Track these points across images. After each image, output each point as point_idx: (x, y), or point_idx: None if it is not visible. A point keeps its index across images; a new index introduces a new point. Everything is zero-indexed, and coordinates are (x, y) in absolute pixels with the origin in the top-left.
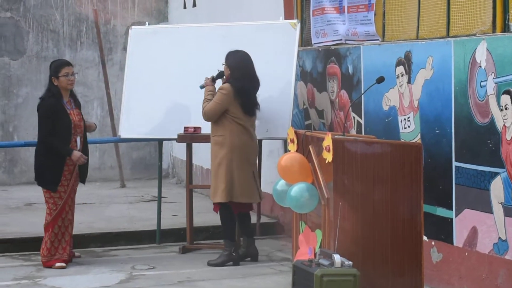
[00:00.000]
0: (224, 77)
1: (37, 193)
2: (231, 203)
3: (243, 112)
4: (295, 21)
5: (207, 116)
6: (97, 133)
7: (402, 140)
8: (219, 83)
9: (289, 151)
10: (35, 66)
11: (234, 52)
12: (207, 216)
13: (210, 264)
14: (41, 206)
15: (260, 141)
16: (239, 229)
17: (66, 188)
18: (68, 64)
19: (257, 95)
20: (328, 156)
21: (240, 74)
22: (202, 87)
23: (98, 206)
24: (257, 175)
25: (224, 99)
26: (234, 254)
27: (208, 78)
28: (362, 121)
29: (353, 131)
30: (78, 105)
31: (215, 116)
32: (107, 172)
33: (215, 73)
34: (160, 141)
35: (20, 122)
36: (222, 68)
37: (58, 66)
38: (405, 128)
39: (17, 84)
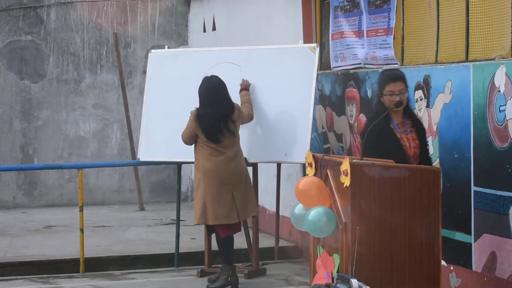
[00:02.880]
0: None
1: (56, 215)
2: (217, 227)
3: (206, 139)
4: (314, 45)
5: (183, 141)
6: (117, 156)
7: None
8: None
9: (307, 175)
10: (55, 89)
11: (205, 77)
12: None
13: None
14: (60, 228)
15: (279, 164)
16: (221, 254)
17: None
18: (395, 79)
19: (237, 120)
20: (346, 180)
21: (201, 100)
22: None
23: (117, 229)
24: (241, 194)
25: (190, 124)
26: (230, 279)
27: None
28: None
29: None
30: (418, 128)
31: (188, 141)
32: (126, 195)
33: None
34: (179, 165)
35: (40, 145)
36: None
37: (382, 81)
38: None
39: (37, 107)
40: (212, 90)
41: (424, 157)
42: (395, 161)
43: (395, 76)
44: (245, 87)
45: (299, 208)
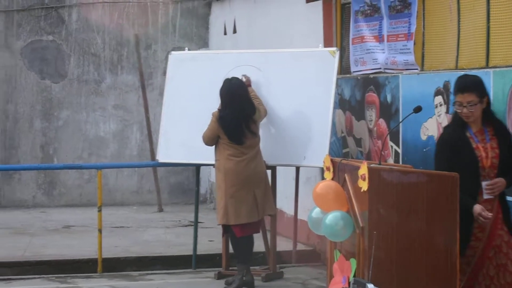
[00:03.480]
0: None
1: (75, 215)
2: (234, 227)
3: (229, 140)
4: (334, 49)
5: (204, 141)
6: (136, 157)
7: None
8: None
9: (325, 179)
10: (76, 89)
11: (226, 79)
12: None
13: None
14: (78, 228)
15: (298, 168)
16: (235, 254)
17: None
18: (463, 90)
19: (258, 120)
20: (364, 185)
21: (223, 102)
22: None
23: (135, 230)
24: (262, 193)
25: (212, 125)
26: (244, 278)
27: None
28: (400, 151)
29: (391, 160)
30: (501, 136)
31: (209, 142)
32: (145, 196)
33: None
34: (197, 166)
35: (60, 145)
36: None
37: (454, 90)
38: None
39: (57, 107)
40: (234, 92)
41: (506, 167)
42: (468, 173)
43: (464, 87)
44: (248, 83)
45: (316, 212)
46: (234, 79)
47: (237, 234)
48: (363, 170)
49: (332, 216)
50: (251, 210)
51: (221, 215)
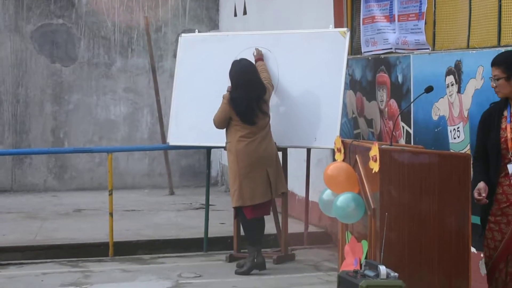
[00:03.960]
0: None
1: (86, 199)
2: (245, 208)
3: (241, 122)
4: (344, 29)
5: (215, 125)
6: (147, 140)
7: (451, 151)
8: None
9: (336, 160)
10: (86, 73)
11: (235, 61)
12: None
13: (237, 273)
14: (90, 212)
15: (309, 150)
16: (246, 236)
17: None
18: (492, 63)
19: (269, 99)
20: (375, 166)
21: (234, 83)
22: None
23: (147, 213)
24: (274, 172)
25: (224, 107)
26: (256, 260)
27: (228, 87)
28: (411, 131)
29: (402, 141)
30: None
31: (221, 124)
32: (156, 179)
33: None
34: (208, 149)
35: (70, 129)
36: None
37: None
38: (454, 138)
39: (68, 90)
40: (244, 73)
41: None
42: (492, 153)
43: (493, 61)
44: (259, 57)
45: (327, 193)
46: (244, 60)
47: (247, 216)
48: (374, 151)
49: (343, 198)
50: (265, 189)
51: (236, 197)
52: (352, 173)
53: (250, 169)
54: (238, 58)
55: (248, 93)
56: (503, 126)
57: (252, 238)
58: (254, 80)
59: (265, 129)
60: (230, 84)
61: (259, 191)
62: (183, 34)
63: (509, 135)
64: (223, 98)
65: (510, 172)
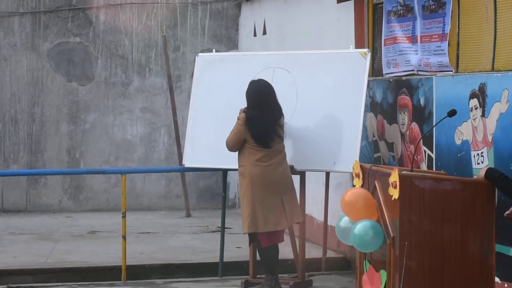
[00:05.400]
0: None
1: (101, 220)
2: (260, 235)
3: (256, 144)
4: (365, 50)
5: (228, 147)
6: (164, 161)
7: (474, 176)
8: None
9: (355, 186)
10: (103, 92)
11: (253, 81)
12: None
13: None
14: (104, 234)
15: (328, 173)
16: (262, 264)
17: None
18: None
19: (283, 125)
20: (395, 193)
21: (252, 103)
22: None
23: (162, 236)
24: (289, 199)
25: (239, 129)
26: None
27: (242, 109)
28: (433, 155)
29: (424, 165)
30: None
31: (234, 147)
32: (172, 201)
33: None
34: (224, 171)
35: (86, 149)
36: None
37: None
38: (478, 163)
39: (84, 109)
40: (263, 93)
41: None
42: None
43: None
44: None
45: (345, 221)
46: (262, 80)
47: (262, 244)
48: (394, 177)
49: (361, 226)
50: (279, 217)
51: (249, 223)
52: (371, 199)
53: (265, 195)
54: (255, 79)
55: (265, 114)
56: None
57: (269, 266)
58: (272, 102)
59: (281, 154)
60: (246, 105)
61: (272, 219)
62: (200, 54)
63: None
64: (238, 119)
65: None
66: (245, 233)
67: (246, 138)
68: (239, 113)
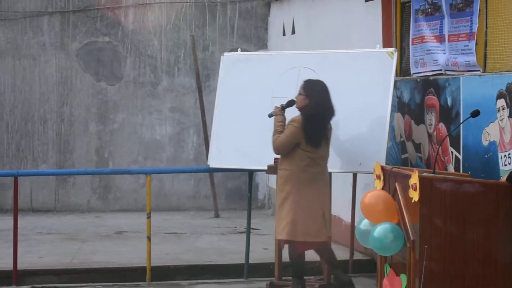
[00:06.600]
0: (296, 106)
1: (129, 220)
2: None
3: (306, 141)
4: (392, 49)
5: (278, 150)
6: (193, 161)
7: (501, 178)
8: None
9: (376, 187)
10: (132, 92)
11: (313, 80)
12: None
13: None
14: (131, 234)
15: (355, 174)
16: (291, 268)
17: None
18: None
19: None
20: (415, 195)
21: (315, 102)
22: (270, 115)
23: (189, 237)
24: (327, 210)
25: (294, 131)
26: None
27: (278, 107)
28: (460, 157)
29: (451, 167)
30: None
31: (285, 150)
32: (201, 201)
33: (284, 102)
34: (250, 172)
35: (115, 148)
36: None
37: None
38: (505, 165)
39: (113, 109)
40: (326, 93)
41: None
42: None
43: None
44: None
45: (364, 223)
46: (320, 80)
47: (300, 249)
48: (414, 179)
49: (381, 228)
50: (319, 229)
51: (288, 230)
52: (391, 202)
53: (309, 203)
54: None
55: (325, 113)
56: None
57: (300, 271)
58: (331, 102)
59: (326, 160)
60: (277, 105)
61: (313, 230)
62: (225, 53)
63: None
64: (293, 121)
65: None
66: (281, 239)
67: (299, 141)
68: (274, 111)
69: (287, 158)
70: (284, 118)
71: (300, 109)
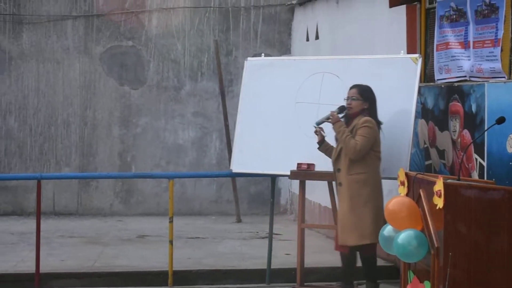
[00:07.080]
0: (348, 112)
1: (151, 225)
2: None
3: (378, 142)
4: (416, 55)
5: (360, 153)
6: (215, 165)
7: None
8: None
9: (399, 194)
10: (155, 96)
11: (363, 85)
12: (322, 256)
13: None
14: (153, 238)
15: None
16: (365, 271)
17: None
18: None
19: None
20: (439, 202)
21: (375, 105)
22: (320, 123)
23: (211, 241)
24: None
25: (374, 133)
26: None
27: (334, 113)
28: (484, 164)
29: (475, 174)
30: None
31: (364, 153)
32: (223, 206)
33: (333, 108)
34: (273, 177)
35: (138, 152)
36: (343, 102)
37: None
38: None
39: (136, 113)
40: (375, 96)
41: None
42: None
43: None
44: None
45: (388, 230)
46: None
47: (373, 250)
48: (439, 185)
49: (405, 235)
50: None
51: (374, 233)
52: (415, 208)
53: (382, 206)
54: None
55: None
56: None
57: (372, 272)
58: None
59: None
60: (332, 110)
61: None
62: (249, 58)
63: None
64: (370, 123)
65: None
66: (370, 244)
67: (374, 143)
68: (333, 117)
69: (360, 161)
70: (343, 123)
71: (354, 114)
